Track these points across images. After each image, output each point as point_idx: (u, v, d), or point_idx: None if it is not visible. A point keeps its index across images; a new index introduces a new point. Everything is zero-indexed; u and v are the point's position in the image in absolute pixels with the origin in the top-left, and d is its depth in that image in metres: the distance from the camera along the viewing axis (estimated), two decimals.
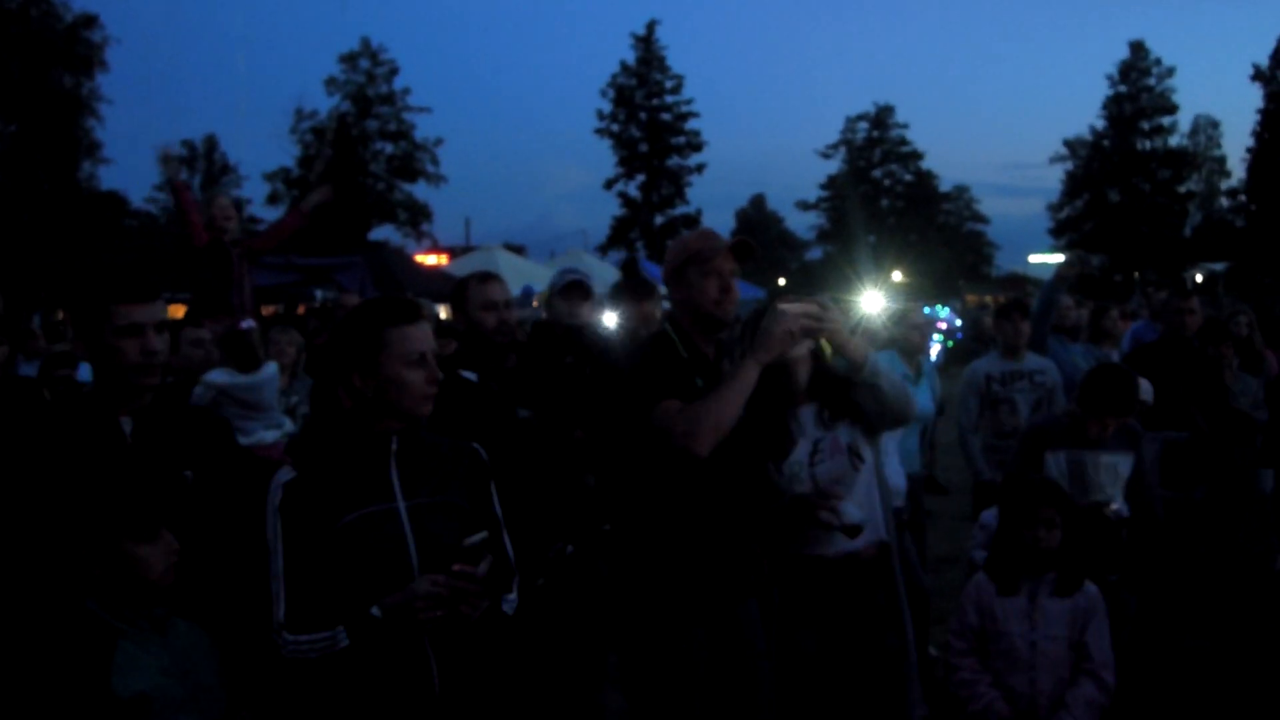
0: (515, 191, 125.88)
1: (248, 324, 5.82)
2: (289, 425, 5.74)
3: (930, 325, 6.71)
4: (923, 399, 5.83)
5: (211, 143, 52.02)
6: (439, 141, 49.07)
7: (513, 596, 2.76)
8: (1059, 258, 44.89)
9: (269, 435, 5.58)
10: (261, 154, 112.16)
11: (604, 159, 55.31)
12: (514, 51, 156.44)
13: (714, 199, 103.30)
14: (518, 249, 29.91)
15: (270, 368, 5.72)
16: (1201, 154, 53.67)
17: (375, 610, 2.46)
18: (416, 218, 48.55)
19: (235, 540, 2.88)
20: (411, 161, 48.49)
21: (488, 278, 4.12)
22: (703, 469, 3.13)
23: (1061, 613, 3.69)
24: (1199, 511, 5.49)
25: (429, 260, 22.89)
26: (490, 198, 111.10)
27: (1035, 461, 4.43)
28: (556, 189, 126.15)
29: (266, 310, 13.21)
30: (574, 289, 4.85)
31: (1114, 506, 4.31)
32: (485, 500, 2.78)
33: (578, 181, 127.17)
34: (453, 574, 2.45)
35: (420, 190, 49.03)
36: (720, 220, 72.00)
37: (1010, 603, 3.74)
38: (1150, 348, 6.26)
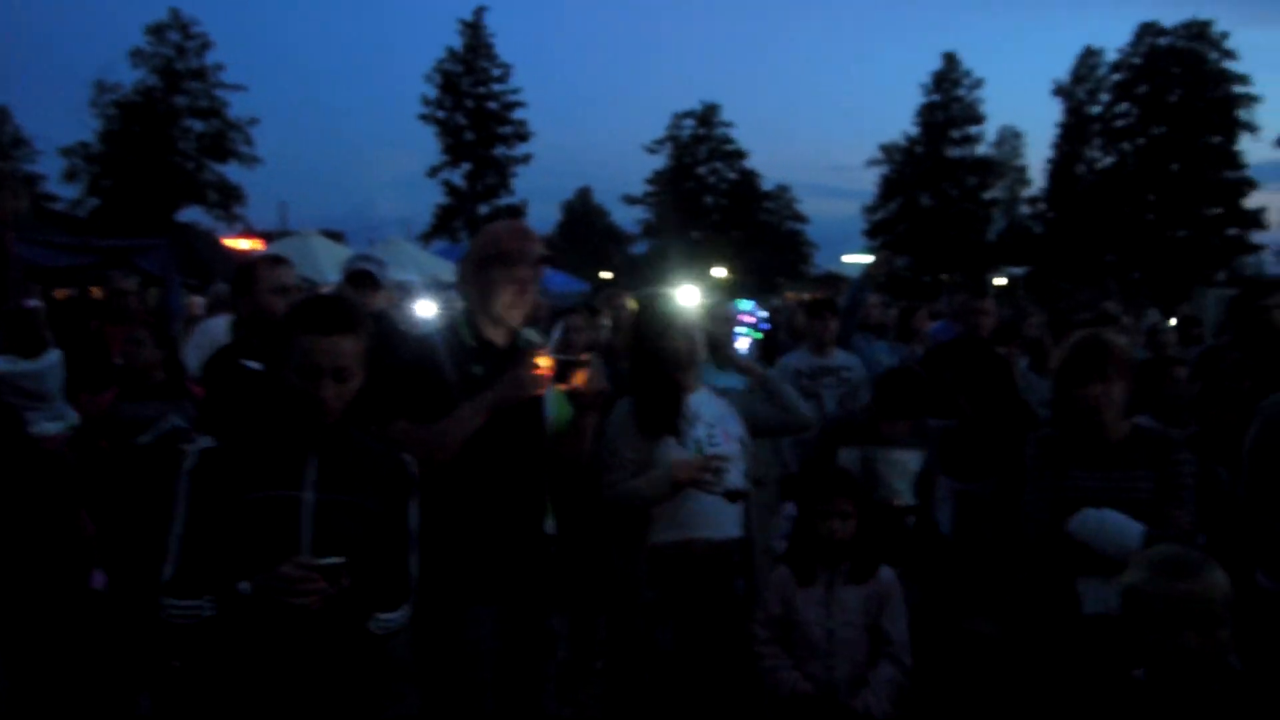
0: (335, 176, 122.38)
1: (32, 303, 5.44)
2: (73, 417, 5.40)
3: (734, 319, 6.83)
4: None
5: (3, 114, 48.74)
6: (253, 121, 47.33)
7: (391, 617, 2.72)
8: (870, 258, 46.74)
9: (51, 426, 5.23)
10: (60, 127, 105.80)
11: (428, 146, 54.29)
12: (336, 32, 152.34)
13: (540, 190, 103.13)
14: (336, 235, 29.05)
15: (53, 355, 5.36)
16: (1006, 163, 56.47)
17: (243, 586, 2.44)
18: (228, 200, 46.67)
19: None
20: (224, 141, 46.56)
21: (278, 261, 4.01)
22: (477, 462, 3.21)
23: (857, 600, 3.79)
24: (986, 504, 5.77)
25: (241, 245, 21.99)
26: (308, 182, 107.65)
27: (831, 456, 4.55)
28: (378, 175, 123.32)
29: (60, 294, 12.44)
30: (362, 278, 4.73)
31: (901, 501, 4.50)
32: (400, 511, 2.76)
33: (401, 168, 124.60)
34: (302, 565, 2.43)
35: (233, 171, 47.19)
36: (546, 212, 71.94)
37: (808, 592, 3.82)
38: (946, 346, 6.52)
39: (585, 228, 62.81)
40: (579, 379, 3.25)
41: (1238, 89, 49.16)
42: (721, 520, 3.77)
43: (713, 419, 3.85)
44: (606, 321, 6.40)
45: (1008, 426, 5.40)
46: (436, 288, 14.84)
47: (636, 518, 3.73)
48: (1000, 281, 41.33)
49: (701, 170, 58.25)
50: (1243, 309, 6.04)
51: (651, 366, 3.80)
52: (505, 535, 3.32)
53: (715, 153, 58.42)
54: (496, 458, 3.27)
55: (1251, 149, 49.99)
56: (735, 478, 3.70)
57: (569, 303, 9.88)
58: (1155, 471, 3.58)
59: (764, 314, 7.23)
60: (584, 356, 3.32)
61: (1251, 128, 48.98)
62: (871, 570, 3.85)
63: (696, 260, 42.50)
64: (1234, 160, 49.11)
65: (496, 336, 3.42)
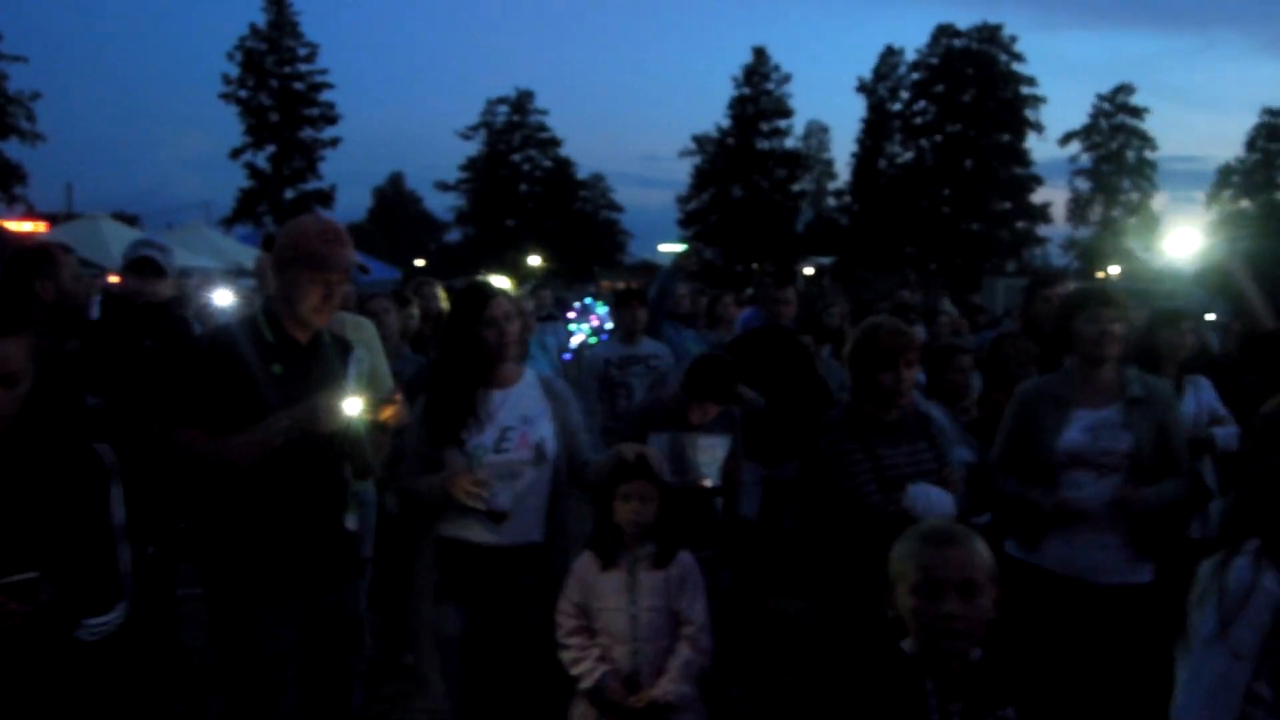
0: (128, 156, 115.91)
1: None
2: None
3: (585, 311, 6.85)
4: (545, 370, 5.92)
5: None
6: (35, 95, 44.26)
7: (103, 620, 2.53)
8: (681, 248, 47.54)
9: None
10: None
11: (230, 126, 52.10)
12: (129, 2, 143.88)
13: (350, 175, 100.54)
14: (130, 219, 27.48)
15: None
16: (813, 156, 58.36)
17: None
18: (8, 180, 43.61)
19: None
20: (3, 116, 43.49)
21: (68, 248, 3.76)
22: (271, 461, 3.12)
23: (658, 584, 3.77)
24: (789, 487, 5.92)
25: (23, 227, 20.58)
26: (98, 161, 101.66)
27: (640, 442, 4.54)
28: (176, 155, 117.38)
29: None
30: (144, 265, 4.46)
31: (708, 484, 4.54)
32: (99, 506, 2.56)
33: (200, 149, 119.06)
34: None
35: (13, 149, 44.11)
36: (356, 197, 70.34)
37: (610, 578, 3.79)
38: (751, 334, 6.63)
39: (397, 214, 61.67)
40: (385, 414, 3.23)
41: (1025, 90, 52.23)
42: (512, 526, 3.68)
43: (517, 419, 3.72)
44: (416, 311, 6.23)
45: (809, 412, 5.54)
46: (239, 275, 14.25)
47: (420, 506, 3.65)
48: (808, 271, 42.63)
49: (516, 158, 57.99)
50: (1029, 298, 6.37)
51: (455, 363, 3.67)
52: (301, 533, 3.22)
53: (530, 140, 58.25)
54: (290, 455, 3.15)
55: (1038, 147, 53.33)
56: (503, 499, 3.57)
57: (380, 288, 9.67)
58: (928, 443, 3.88)
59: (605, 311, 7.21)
60: (397, 396, 3.29)
61: (1038, 127, 52.18)
62: (672, 553, 3.84)
63: (512, 248, 42.37)
64: (1022, 157, 52.14)
65: (299, 333, 3.28)
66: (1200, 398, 5.23)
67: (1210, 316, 10.43)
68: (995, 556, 4.04)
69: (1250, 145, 49.83)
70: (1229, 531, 2.42)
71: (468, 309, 3.69)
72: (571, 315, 8.38)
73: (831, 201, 57.75)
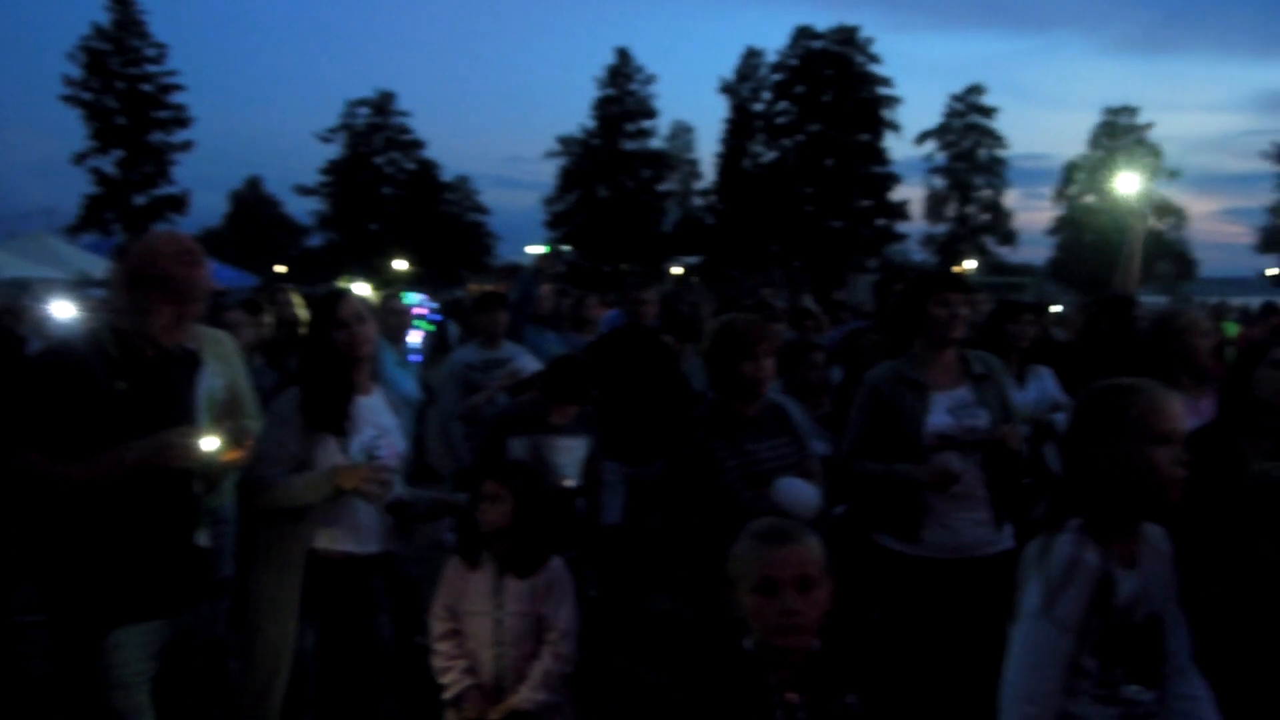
0: None
1: None
2: None
3: (408, 312, 6.72)
4: (407, 385, 5.82)
5: None
6: None
7: None
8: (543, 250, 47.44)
9: None
10: None
11: (73, 129, 49.85)
12: None
13: (205, 179, 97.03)
14: None
15: None
16: (678, 156, 58.80)
17: None
18: None
19: None
20: None
21: None
22: (119, 482, 3.04)
23: (525, 589, 3.76)
24: (655, 486, 5.96)
25: None
26: None
27: (499, 446, 4.53)
28: (15, 160, 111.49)
29: None
30: None
31: (569, 484, 4.55)
32: None
33: (40, 152, 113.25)
34: None
35: None
36: (212, 202, 68.13)
37: (477, 582, 3.76)
38: (612, 335, 6.65)
39: (255, 219, 59.97)
40: (230, 455, 3.23)
41: (882, 90, 53.58)
42: (364, 535, 3.62)
43: (381, 428, 3.67)
44: (269, 319, 6.05)
45: (672, 411, 5.59)
46: (85, 286, 13.65)
47: (281, 516, 3.54)
48: (676, 270, 43.01)
49: (378, 160, 56.93)
50: (880, 294, 6.54)
51: (322, 359, 3.59)
52: (149, 551, 3.12)
53: (392, 142, 57.27)
54: (136, 475, 3.04)
55: (895, 146, 54.68)
56: (399, 490, 3.60)
57: (236, 297, 9.37)
58: (789, 436, 3.93)
59: (434, 305, 7.11)
60: (249, 441, 3.29)
61: (895, 127, 53.62)
62: (541, 558, 3.83)
63: (375, 253, 41.62)
64: (881, 156, 53.49)
65: (145, 349, 3.18)
66: (1042, 385, 5.45)
67: (1056, 308, 10.90)
68: (859, 549, 4.18)
69: (1093, 143, 52.01)
70: (1054, 512, 2.54)
71: (318, 313, 3.63)
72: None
73: (698, 201, 58.31)
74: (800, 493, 3.66)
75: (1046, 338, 8.41)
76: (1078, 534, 2.42)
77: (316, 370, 3.58)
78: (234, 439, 3.31)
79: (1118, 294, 5.51)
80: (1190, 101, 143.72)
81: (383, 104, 57.14)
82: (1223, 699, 2.46)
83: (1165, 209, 49.66)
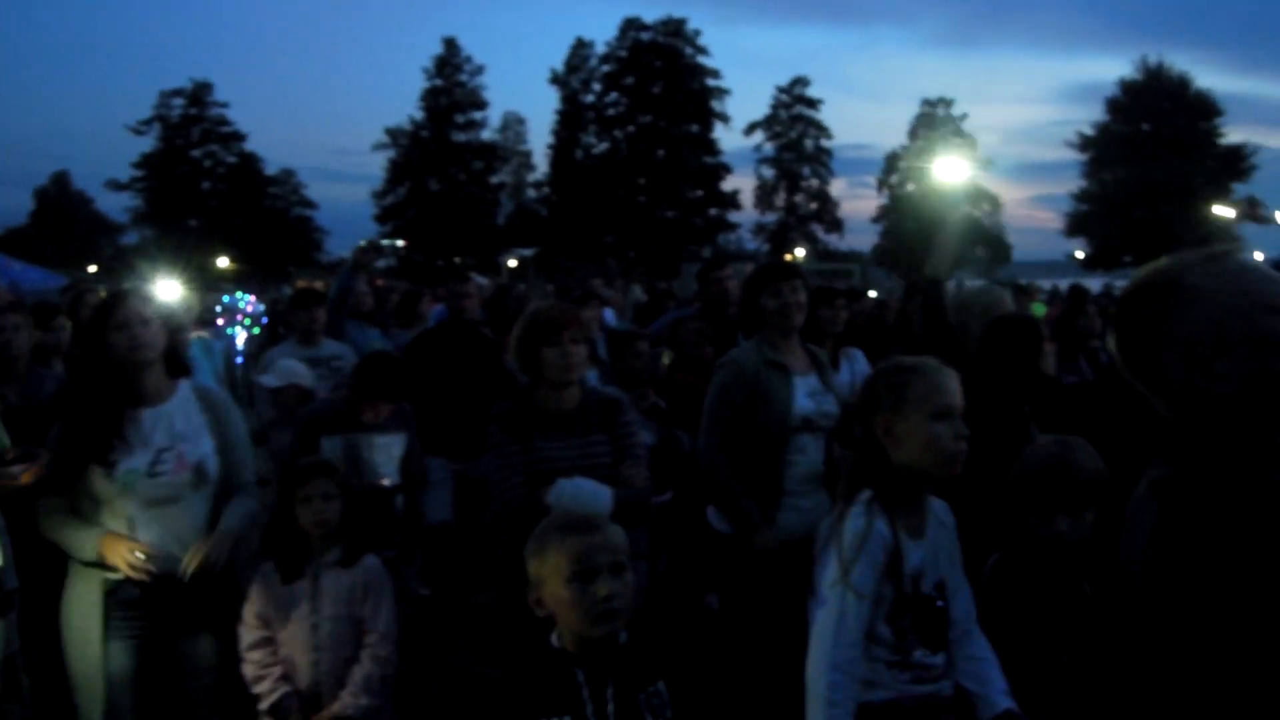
0: None
1: None
2: None
3: (231, 312, 6.50)
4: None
5: None
6: None
7: None
8: (388, 243, 46.20)
9: None
10: None
11: None
12: None
13: (6, 175, 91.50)
14: None
15: None
16: (510, 148, 58.44)
17: None
18: None
19: None
20: None
21: None
22: None
23: (342, 591, 3.68)
24: (483, 482, 5.92)
25: None
26: None
27: (312, 446, 4.41)
28: None
29: None
30: None
31: (387, 483, 4.47)
32: None
33: None
34: None
35: None
36: (17, 200, 64.18)
37: (293, 585, 3.66)
38: (433, 330, 6.58)
39: (64, 216, 56.86)
40: (26, 478, 3.09)
41: (711, 82, 54.45)
42: (170, 558, 3.46)
43: (172, 438, 3.45)
44: (67, 323, 5.69)
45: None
46: None
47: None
48: (512, 263, 42.76)
49: (196, 153, 54.72)
50: (702, 282, 6.64)
51: (93, 376, 3.37)
52: None
53: (210, 135, 55.09)
54: None
55: (725, 137, 55.56)
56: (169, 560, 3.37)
57: (40, 296, 8.83)
58: (609, 434, 3.73)
59: (261, 308, 6.87)
60: (43, 459, 3.11)
61: (724, 118, 54.58)
62: (357, 557, 3.75)
63: (196, 250, 39.87)
64: (711, 147, 54.38)
65: None
66: (855, 368, 5.65)
67: (872, 293, 11.31)
68: (689, 534, 4.19)
69: (912, 134, 54.02)
70: (848, 485, 2.65)
71: (96, 315, 3.42)
72: (221, 321, 7.97)
73: (531, 193, 58.12)
74: (581, 494, 3.48)
75: (880, 320, 8.76)
76: (868, 506, 2.54)
77: (87, 389, 3.37)
78: (25, 457, 3.10)
79: (928, 277, 5.74)
80: (1002, 94, 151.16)
81: (199, 94, 54.90)
82: (1005, 659, 2.61)
83: (981, 196, 52.00)
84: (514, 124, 58.92)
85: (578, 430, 3.69)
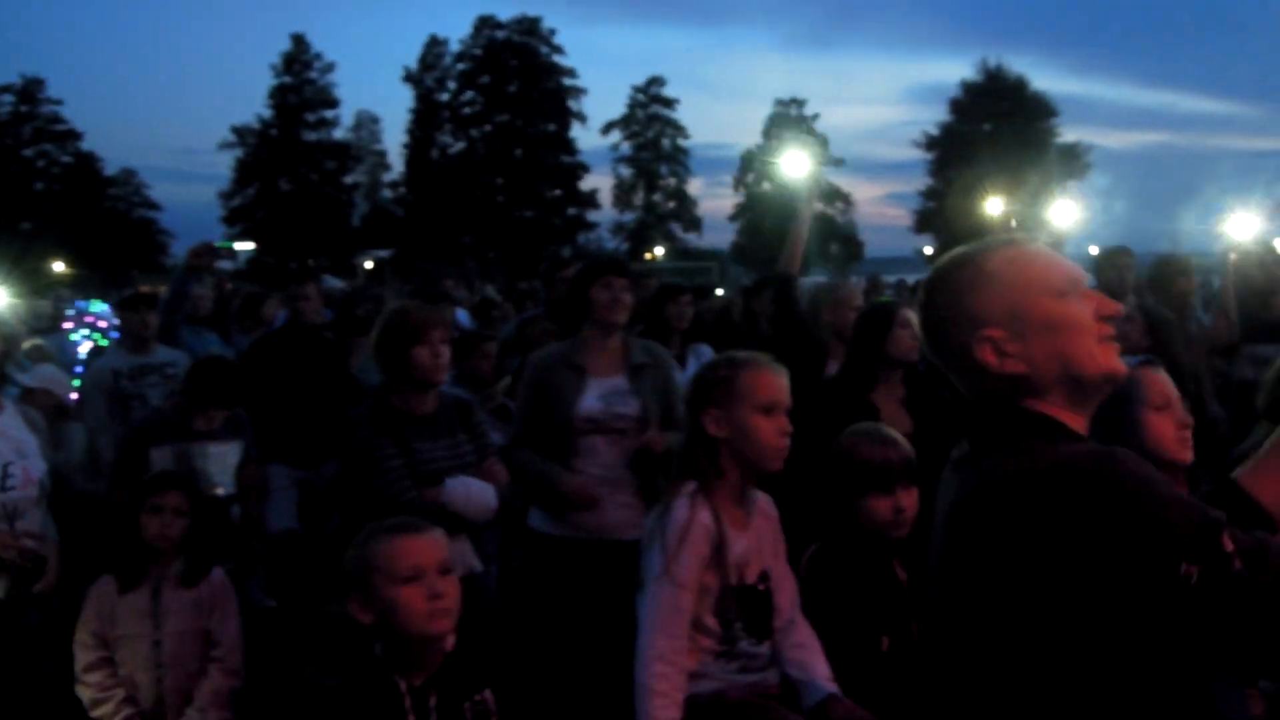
0: None
1: None
2: None
3: (80, 317, 6.22)
4: None
5: None
6: None
7: None
8: (242, 245, 44.90)
9: None
10: None
11: None
12: None
13: None
14: None
15: None
16: (364, 147, 57.33)
17: None
18: None
19: None
20: None
21: None
22: None
23: (187, 605, 3.58)
24: (328, 488, 5.80)
25: None
26: None
27: (140, 459, 4.25)
28: None
29: None
30: None
31: (221, 492, 4.36)
32: None
33: None
34: None
35: None
36: None
37: (132, 601, 3.53)
38: (273, 334, 6.41)
39: None
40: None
41: (568, 81, 54.43)
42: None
43: (13, 454, 3.33)
44: None
45: (340, 410, 5.44)
46: None
47: None
48: (368, 265, 42.02)
49: (27, 153, 52.05)
50: (547, 281, 6.64)
51: None
52: None
53: (43, 133, 52.44)
54: None
55: (582, 136, 55.54)
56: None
57: None
58: (469, 434, 3.82)
59: (116, 321, 6.56)
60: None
61: (581, 117, 54.64)
62: (202, 573, 3.64)
63: (29, 254, 37.97)
64: (568, 146, 54.37)
65: None
66: (700, 363, 5.72)
67: (719, 291, 11.48)
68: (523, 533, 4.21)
69: (767, 133, 54.96)
70: (672, 477, 2.68)
71: None
72: (68, 325, 7.63)
73: (387, 194, 57.13)
74: (472, 492, 3.60)
75: (728, 317, 8.88)
76: (692, 497, 2.57)
77: None
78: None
79: (779, 273, 5.84)
80: (853, 95, 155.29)
81: (30, 91, 52.21)
82: (828, 645, 2.68)
83: (834, 195, 53.32)
84: (367, 123, 57.86)
85: (444, 431, 3.76)
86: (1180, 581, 1.38)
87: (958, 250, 1.75)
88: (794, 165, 4.60)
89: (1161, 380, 2.43)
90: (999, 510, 1.51)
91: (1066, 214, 8.03)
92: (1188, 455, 2.42)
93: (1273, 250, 5.93)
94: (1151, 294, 5.99)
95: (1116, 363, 1.62)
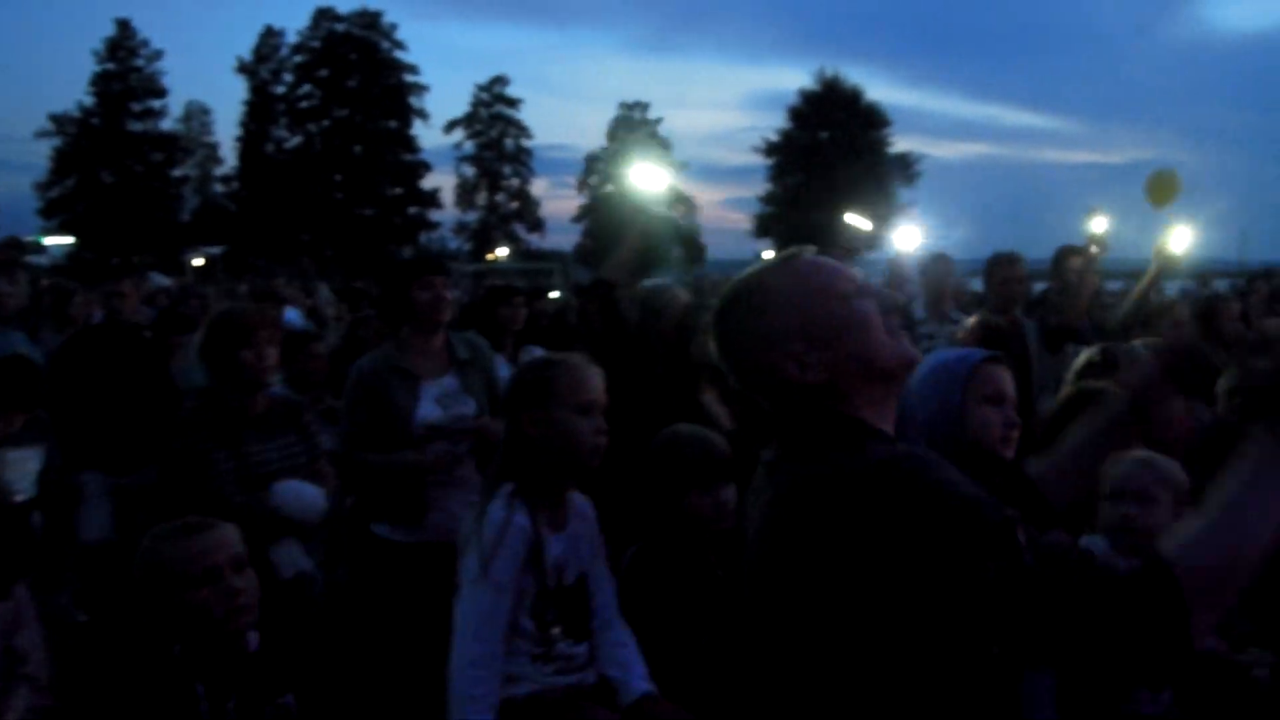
0: None
1: None
2: None
3: None
4: None
5: None
6: None
7: None
8: (60, 240, 42.58)
9: None
10: None
11: None
12: None
13: None
14: None
15: None
16: (195, 139, 55.26)
17: None
18: None
19: None
20: None
21: None
22: None
23: None
24: (146, 494, 5.56)
25: None
26: None
27: None
28: None
29: None
30: None
31: (20, 498, 4.15)
32: None
33: None
34: None
35: None
36: None
37: None
38: (85, 332, 6.12)
39: None
40: None
41: (409, 78, 53.55)
42: None
43: None
44: None
45: (159, 413, 5.22)
46: None
47: None
48: (198, 262, 40.48)
49: None
50: (382, 281, 6.51)
51: None
52: None
53: None
54: None
55: (424, 134, 54.81)
56: None
57: None
58: (299, 434, 3.82)
59: None
60: None
61: (423, 115, 53.82)
62: (6, 588, 3.44)
63: None
64: (410, 144, 53.49)
65: None
66: None
67: (554, 294, 11.51)
68: (362, 540, 4.15)
69: (611, 136, 55.23)
70: (490, 479, 2.68)
71: None
72: None
73: (219, 188, 55.15)
74: (302, 495, 3.59)
75: (563, 319, 8.89)
76: (509, 498, 2.57)
77: None
78: None
79: (602, 279, 5.87)
80: (696, 99, 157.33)
81: None
82: (647, 645, 2.71)
83: (676, 198, 53.98)
84: (198, 114, 55.77)
85: (274, 432, 3.75)
86: (983, 577, 1.44)
87: (740, 276, 1.79)
88: (640, 177, 4.63)
89: (997, 376, 2.46)
90: (811, 512, 1.55)
91: (907, 233, 8.05)
92: (1009, 452, 2.48)
93: (1089, 256, 6.20)
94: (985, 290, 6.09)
95: (909, 349, 1.69)
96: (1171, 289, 8.68)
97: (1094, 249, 6.16)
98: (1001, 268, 5.78)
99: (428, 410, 4.00)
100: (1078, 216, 6.49)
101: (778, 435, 1.72)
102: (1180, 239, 5.69)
